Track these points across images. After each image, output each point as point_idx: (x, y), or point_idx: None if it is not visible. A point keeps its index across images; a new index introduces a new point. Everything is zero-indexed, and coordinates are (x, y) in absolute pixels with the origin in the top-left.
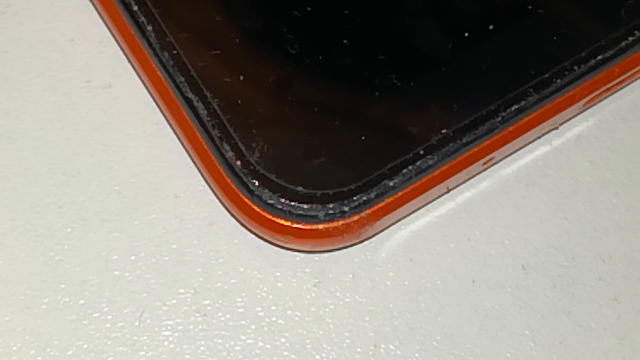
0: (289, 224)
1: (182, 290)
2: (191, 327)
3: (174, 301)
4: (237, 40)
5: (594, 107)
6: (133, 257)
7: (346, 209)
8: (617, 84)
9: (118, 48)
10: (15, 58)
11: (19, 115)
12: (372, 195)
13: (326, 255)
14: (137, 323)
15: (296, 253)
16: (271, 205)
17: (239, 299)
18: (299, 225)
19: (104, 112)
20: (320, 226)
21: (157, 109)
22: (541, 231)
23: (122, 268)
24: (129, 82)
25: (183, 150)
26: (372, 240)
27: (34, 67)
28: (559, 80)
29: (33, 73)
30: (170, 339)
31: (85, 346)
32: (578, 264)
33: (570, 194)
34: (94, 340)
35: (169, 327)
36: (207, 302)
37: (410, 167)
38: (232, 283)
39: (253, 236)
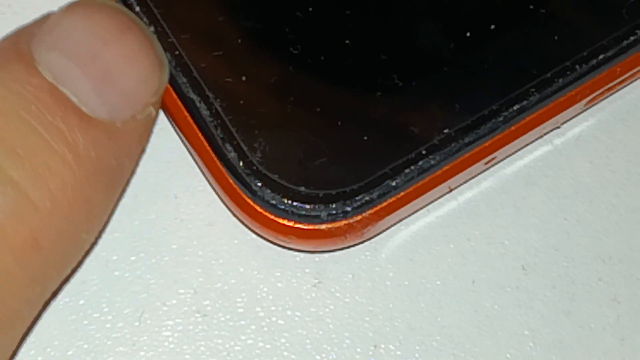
0: (291, 224)
1: (182, 290)
2: (191, 327)
3: (174, 301)
4: (239, 40)
5: (594, 107)
6: (133, 257)
7: (348, 209)
8: (619, 83)
9: None
10: None
11: None
12: (375, 195)
13: (326, 255)
14: (137, 323)
15: (296, 253)
16: (273, 205)
17: (239, 299)
18: (302, 226)
19: None
20: (323, 226)
21: None
22: (541, 231)
23: (122, 268)
24: None
25: (183, 150)
26: (372, 240)
27: None
28: (560, 80)
29: None
30: (170, 339)
31: (85, 346)
32: (578, 264)
33: (570, 194)
34: (94, 341)
35: (169, 327)
36: (207, 302)
37: (412, 167)
38: (232, 283)
39: (253, 236)
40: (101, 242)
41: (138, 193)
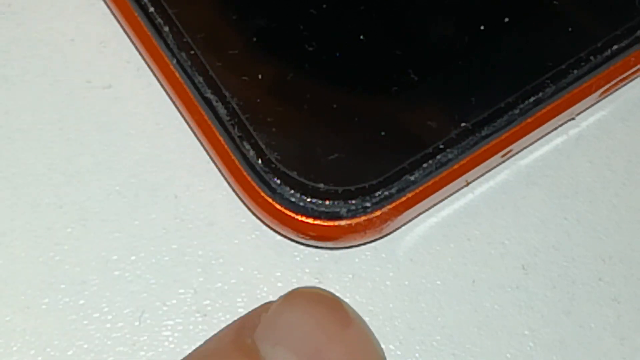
0: (310, 221)
1: (182, 290)
2: (191, 327)
3: (174, 301)
4: (254, 39)
5: (594, 107)
6: (133, 257)
7: (368, 204)
8: (633, 73)
9: (118, 48)
10: (15, 58)
11: (19, 115)
12: (394, 190)
13: (326, 255)
14: (137, 323)
15: (296, 253)
16: (293, 202)
17: (239, 299)
18: (321, 222)
19: (104, 112)
20: (343, 222)
21: (157, 109)
22: (541, 231)
23: (122, 268)
24: (129, 82)
25: (183, 150)
26: (372, 240)
27: (34, 67)
28: (575, 71)
29: (33, 73)
30: (170, 339)
31: (85, 346)
32: (578, 264)
33: (570, 194)
34: (94, 340)
35: (169, 327)
36: (207, 302)
37: (430, 161)
38: (232, 283)
39: (253, 236)
40: (101, 242)
41: (138, 193)
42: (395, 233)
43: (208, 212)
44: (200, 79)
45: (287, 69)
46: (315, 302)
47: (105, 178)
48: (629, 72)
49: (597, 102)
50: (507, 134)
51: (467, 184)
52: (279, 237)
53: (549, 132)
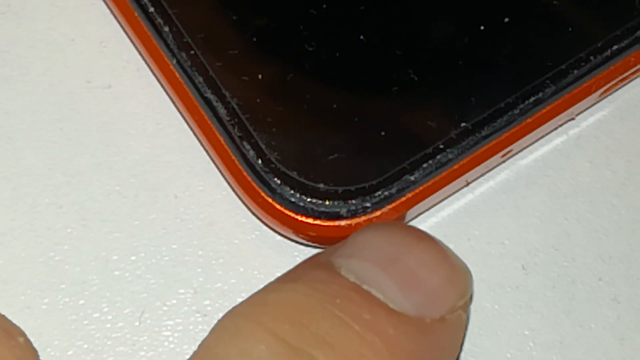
0: (310, 221)
1: (182, 290)
2: (191, 327)
3: (174, 301)
4: (254, 39)
5: (594, 107)
6: (133, 257)
7: (368, 204)
8: (633, 73)
9: (118, 48)
10: (15, 58)
11: (19, 115)
12: (394, 190)
13: None
14: (137, 323)
15: (296, 253)
16: (293, 203)
17: (239, 299)
18: (321, 222)
19: (104, 112)
20: (343, 222)
21: (157, 109)
22: (541, 231)
23: (122, 268)
24: (129, 82)
25: (183, 150)
26: None
27: (34, 67)
28: (575, 71)
29: (33, 73)
30: (170, 339)
31: (85, 346)
32: (578, 264)
33: (570, 194)
34: (94, 340)
35: (169, 327)
36: (207, 302)
37: (430, 162)
38: (232, 283)
39: (253, 236)
40: (101, 242)
41: (138, 193)
42: None
43: (208, 212)
44: (200, 79)
45: (287, 69)
46: (387, 225)
47: (105, 178)
48: (629, 72)
49: (597, 102)
50: (507, 134)
51: (467, 184)
52: (279, 237)
53: (549, 132)
